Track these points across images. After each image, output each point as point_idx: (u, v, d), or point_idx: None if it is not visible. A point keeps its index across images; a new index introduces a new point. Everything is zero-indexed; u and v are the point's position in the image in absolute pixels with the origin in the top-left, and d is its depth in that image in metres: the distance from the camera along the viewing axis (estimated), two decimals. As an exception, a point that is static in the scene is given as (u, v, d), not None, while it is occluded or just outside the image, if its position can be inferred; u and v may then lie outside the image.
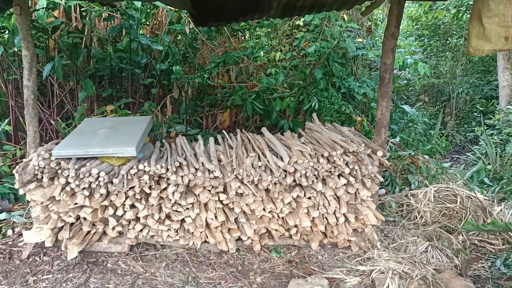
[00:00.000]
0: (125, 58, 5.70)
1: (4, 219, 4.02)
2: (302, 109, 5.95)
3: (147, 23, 6.46)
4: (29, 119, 3.48)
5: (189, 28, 6.37)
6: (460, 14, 9.62)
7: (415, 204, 4.38)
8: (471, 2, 9.75)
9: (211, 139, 3.88)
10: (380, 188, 5.06)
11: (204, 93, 6.33)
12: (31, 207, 4.05)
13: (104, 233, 3.53)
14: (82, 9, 5.61)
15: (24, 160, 3.34)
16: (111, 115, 4.87)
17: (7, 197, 4.42)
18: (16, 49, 4.96)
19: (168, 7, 5.76)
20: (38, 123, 3.57)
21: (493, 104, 8.75)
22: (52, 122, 5.28)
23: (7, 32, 5.15)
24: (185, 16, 6.29)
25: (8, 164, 4.83)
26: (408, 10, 11.61)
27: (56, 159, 3.18)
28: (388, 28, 3.56)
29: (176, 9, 5.99)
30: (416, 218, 4.26)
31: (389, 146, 5.66)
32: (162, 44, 5.94)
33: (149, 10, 6.17)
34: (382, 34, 8.03)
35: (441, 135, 7.47)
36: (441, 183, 4.75)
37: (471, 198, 4.35)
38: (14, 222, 4.00)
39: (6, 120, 5.09)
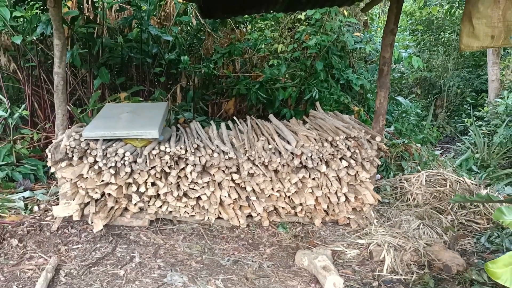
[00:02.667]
0: (136, 47, 5.97)
1: (28, 197, 4.32)
2: (303, 99, 6.29)
3: (154, 15, 6.71)
4: (58, 103, 3.78)
5: (195, 20, 6.65)
6: (453, 10, 9.99)
7: (408, 187, 4.76)
8: (464, -1, 10.14)
9: (223, 124, 4.20)
10: (375, 174, 5.44)
11: (210, 82, 6.63)
12: (55, 185, 4.38)
13: (126, 209, 3.85)
14: (94, 0, 5.86)
15: (54, 141, 3.64)
16: (125, 101, 5.16)
17: (28, 177, 4.71)
18: (34, 38, 5.20)
19: (177, -1, 6.04)
20: (67, 106, 3.86)
21: (482, 97, 9.16)
22: (68, 107, 5.54)
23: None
24: (192, 8, 6.57)
25: (26, 147, 5.11)
26: (405, 6, 11.96)
27: (85, 140, 3.48)
28: (388, 25, 3.90)
29: (184, 2, 6.25)
30: (409, 200, 4.63)
31: (385, 135, 6.02)
32: (170, 33, 6.22)
33: (157, 2, 6.42)
34: (378, 29, 8.39)
35: (433, 126, 7.86)
36: (432, 169, 5.13)
37: (459, 182, 4.74)
38: (38, 199, 4.30)
39: (23, 106, 5.34)
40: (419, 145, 5.92)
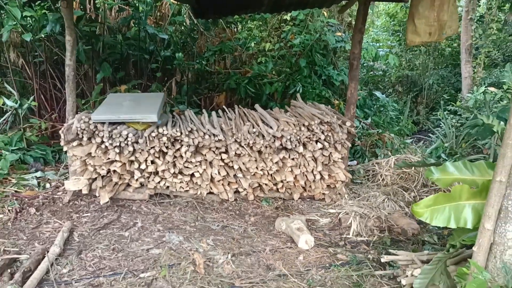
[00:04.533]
0: (134, 45, 6.51)
1: (40, 177, 4.84)
2: (288, 93, 6.87)
3: (151, 15, 7.26)
4: (69, 91, 4.32)
5: (188, 20, 7.21)
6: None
7: (379, 170, 5.35)
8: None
9: (214, 113, 4.76)
10: (352, 160, 6.04)
11: (202, 78, 7.19)
12: (63, 167, 4.91)
13: (128, 184, 4.39)
14: (96, 1, 6.40)
15: (65, 124, 4.17)
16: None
17: (38, 160, 5.24)
18: (42, 36, 5.72)
19: (172, 0, 6.59)
20: (75, 95, 4.40)
21: (457, 94, 9.80)
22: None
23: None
24: (185, 9, 7.12)
25: (36, 135, 5.63)
26: (387, 7, 12.61)
27: (93, 122, 4.02)
28: (356, 24, 4.49)
29: (178, 3, 6.81)
30: (379, 180, 5.22)
31: (362, 126, 6.62)
32: (165, 32, 6.77)
33: (153, 3, 6.97)
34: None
35: (409, 119, 8.47)
36: (401, 155, 5.73)
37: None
38: (48, 178, 4.83)
39: (31, 97, 5.86)
40: (392, 134, 6.52)
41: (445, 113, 7.81)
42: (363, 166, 5.67)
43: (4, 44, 5.86)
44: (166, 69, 6.99)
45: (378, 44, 10.26)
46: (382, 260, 3.18)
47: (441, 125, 7.75)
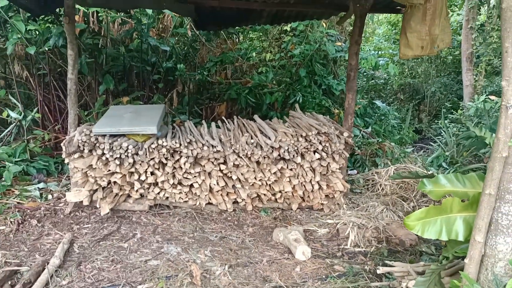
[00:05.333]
0: (136, 57, 6.61)
1: (42, 188, 4.92)
2: (288, 103, 6.92)
3: (153, 27, 7.37)
4: (70, 104, 4.40)
5: (190, 31, 7.31)
6: (433, 21, 10.66)
7: (378, 179, 5.37)
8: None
9: (213, 124, 4.82)
10: (352, 169, 6.07)
11: (203, 88, 7.27)
12: (66, 178, 4.98)
13: (128, 196, 4.45)
14: (99, 14, 6.51)
15: (67, 136, 4.25)
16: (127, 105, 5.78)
17: (41, 171, 5.32)
18: (46, 49, 5.84)
19: (174, 13, 6.69)
20: (77, 108, 4.48)
21: (458, 101, 9.81)
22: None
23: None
24: (187, 21, 7.23)
25: (39, 146, 5.72)
26: (389, 15, 12.66)
27: (95, 135, 4.10)
28: (353, 36, 4.54)
29: (180, 16, 6.91)
30: (378, 190, 5.24)
31: (362, 135, 6.65)
32: (167, 44, 6.87)
33: (156, 16, 7.09)
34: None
35: (410, 127, 8.48)
36: (401, 164, 5.75)
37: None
38: (50, 190, 4.91)
39: (35, 109, 5.96)
40: (393, 143, 6.54)
41: (446, 121, 7.82)
42: (362, 175, 5.69)
43: (9, 57, 5.98)
44: (168, 80, 7.08)
45: (379, 53, 10.32)
46: (378, 272, 3.20)
47: (442, 134, 7.76)
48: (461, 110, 8.52)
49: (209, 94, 7.24)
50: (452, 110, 8.65)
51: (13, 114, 5.56)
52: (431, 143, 7.74)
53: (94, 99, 6.30)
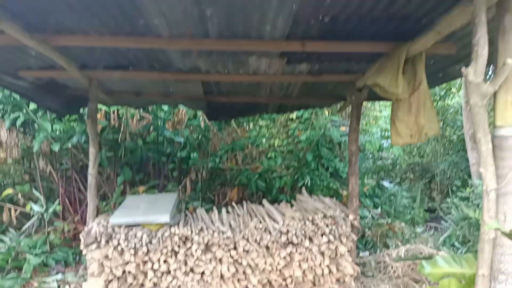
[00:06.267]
0: (153, 148, 7.07)
1: (60, 279, 5.06)
2: (297, 186, 7.16)
3: (169, 119, 7.95)
4: (90, 197, 4.71)
5: (203, 122, 7.84)
6: (435, 103, 11.18)
7: (389, 261, 5.38)
8: (442, 93, 11.41)
9: (223, 210, 5.04)
10: (364, 251, 6.09)
11: (216, 175, 7.61)
12: (83, 269, 5.13)
13: (142, 285, 4.54)
14: (119, 111, 7.11)
15: (86, 227, 4.49)
16: (143, 194, 6.09)
17: (60, 262, 5.49)
18: (70, 145, 6.33)
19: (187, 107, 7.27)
20: (97, 200, 4.78)
21: (469, 179, 9.89)
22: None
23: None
24: (200, 113, 7.79)
25: (59, 237, 5.95)
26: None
27: (112, 226, 4.33)
28: (351, 124, 4.90)
29: (193, 109, 7.48)
30: (390, 272, 5.23)
31: (371, 216, 6.75)
32: (181, 135, 7.36)
33: (171, 110, 7.68)
34: (364, 122, 9.48)
35: (423, 206, 8.54)
36: (412, 244, 5.77)
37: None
38: (68, 281, 5.04)
39: (57, 201, 6.30)
40: (403, 224, 6.60)
41: (456, 199, 7.88)
42: (374, 257, 5.70)
43: (35, 153, 6.47)
44: (182, 168, 7.46)
45: (385, 134, 10.69)
46: None
47: (453, 212, 7.78)
48: (469, 188, 8.59)
49: (221, 180, 7.55)
50: (461, 188, 8.72)
51: (36, 208, 5.89)
52: (442, 222, 7.74)
53: (112, 189, 6.64)
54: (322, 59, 4.02)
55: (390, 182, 8.82)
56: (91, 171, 4.67)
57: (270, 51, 3.69)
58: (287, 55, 3.84)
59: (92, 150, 4.63)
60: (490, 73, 4.21)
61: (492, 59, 2.39)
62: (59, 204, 6.36)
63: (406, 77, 3.30)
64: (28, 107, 6.12)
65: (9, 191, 5.95)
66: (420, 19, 2.95)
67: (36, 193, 6.30)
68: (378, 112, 13.46)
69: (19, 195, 6.18)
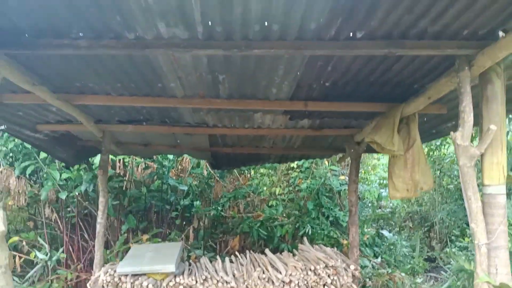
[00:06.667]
0: (156, 196, 7.23)
1: (62, 329, 5.06)
2: (298, 235, 7.25)
3: (173, 167, 8.16)
4: (97, 246, 4.82)
5: (206, 171, 8.05)
6: (431, 152, 11.45)
7: (391, 312, 5.42)
8: (438, 143, 11.71)
9: (227, 259, 5.14)
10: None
11: (218, 223, 7.72)
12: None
13: (145, 335, 4.57)
14: (125, 160, 7.33)
15: (92, 276, 4.58)
16: (146, 242, 6.18)
17: (62, 311, 5.50)
18: (76, 193, 6.49)
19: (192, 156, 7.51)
20: (103, 247, 4.89)
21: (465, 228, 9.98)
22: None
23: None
24: (203, 162, 8.01)
25: (62, 286, 5.98)
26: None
27: (118, 275, 4.43)
28: (350, 176, 5.12)
29: (199, 159, 7.72)
30: (392, 323, 5.26)
31: (372, 265, 6.81)
32: (185, 183, 7.54)
33: (176, 159, 7.91)
34: (362, 171, 9.70)
35: (423, 255, 8.57)
36: (413, 295, 5.81)
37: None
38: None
39: (61, 249, 6.37)
40: (403, 274, 6.65)
41: (456, 249, 7.95)
42: (375, 308, 5.73)
43: (41, 201, 6.62)
44: (184, 216, 7.58)
45: (383, 182, 10.88)
46: None
47: (452, 262, 7.83)
48: (468, 237, 8.68)
49: (223, 228, 7.65)
50: (460, 238, 8.81)
51: (40, 255, 5.95)
52: (442, 272, 7.77)
53: (116, 237, 6.73)
54: (323, 116, 4.30)
55: (390, 231, 8.90)
56: (100, 220, 4.82)
57: (275, 109, 3.97)
58: (290, 113, 4.12)
59: (102, 200, 4.80)
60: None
61: (478, 121, 2.65)
62: (63, 252, 6.43)
63: (401, 135, 3.55)
64: (39, 156, 6.33)
65: (14, 239, 6.04)
66: (412, 84, 3.25)
67: (41, 241, 6.39)
68: (377, 160, 13.73)
69: (23, 242, 6.26)
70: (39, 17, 2.12)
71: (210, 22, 2.17)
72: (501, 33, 2.44)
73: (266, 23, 2.20)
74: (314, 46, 2.40)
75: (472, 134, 2.55)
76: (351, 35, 2.36)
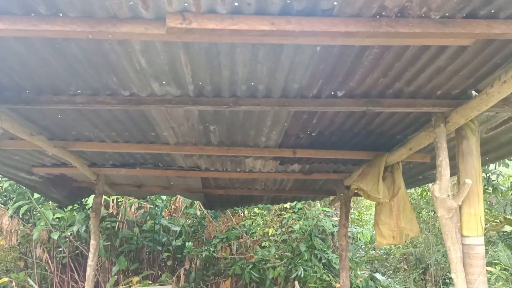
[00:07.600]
0: (149, 237, 7.22)
1: None
2: (290, 277, 7.21)
3: (166, 207, 8.18)
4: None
5: (199, 210, 8.08)
6: (424, 193, 11.53)
7: None
8: (430, 184, 11.80)
9: (217, 304, 5.11)
10: None
11: (210, 264, 7.66)
12: None
13: None
14: (119, 200, 7.37)
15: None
16: (136, 285, 6.14)
17: None
18: (69, 233, 6.49)
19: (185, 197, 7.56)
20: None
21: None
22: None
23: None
24: (196, 202, 8.06)
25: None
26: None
27: (106, 319, 4.40)
28: (341, 220, 5.19)
29: (191, 200, 7.77)
30: None
31: (365, 309, 6.74)
32: (178, 223, 7.55)
33: (169, 199, 7.96)
34: (356, 212, 9.75)
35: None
36: None
37: None
38: None
39: (50, 290, 6.30)
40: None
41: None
42: None
43: (33, 241, 6.60)
44: (176, 257, 7.54)
45: (369, 227, 10.87)
46: None
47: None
48: (462, 279, 8.63)
49: (215, 270, 7.59)
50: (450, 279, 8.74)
51: (29, 297, 5.90)
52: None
53: (106, 279, 6.67)
54: (312, 161, 4.42)
55: (384, 274, 8.84)
56: (91, 262, 4.82)
57: (265, 156, 4.09)
58: (280, 159, 4.25)
59: (93, 242, 4.83)
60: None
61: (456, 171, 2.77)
62: (52, 293, 6.36)
63: (386, 183, 3.67)
64: (33, 196, 6.38)
65: (4, 279, 5.99)
66: (394, 135, 3.40)
67: (31, 281, 6.32)
68: (369, 201, 13.77)
69: (13, 283, 6.20)
70: (39, 77, 2.27)
71: (200, 82, 2.33)
72: (474, 93, 2.61)
73: (252, 83, 2.37)
74: (298, 103, 2.55)
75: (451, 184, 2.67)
76: (332, 93, 2.52)
